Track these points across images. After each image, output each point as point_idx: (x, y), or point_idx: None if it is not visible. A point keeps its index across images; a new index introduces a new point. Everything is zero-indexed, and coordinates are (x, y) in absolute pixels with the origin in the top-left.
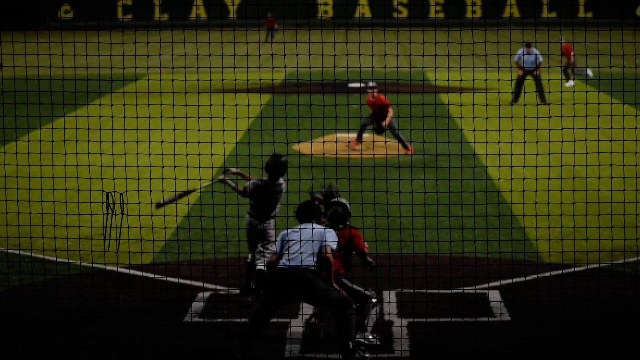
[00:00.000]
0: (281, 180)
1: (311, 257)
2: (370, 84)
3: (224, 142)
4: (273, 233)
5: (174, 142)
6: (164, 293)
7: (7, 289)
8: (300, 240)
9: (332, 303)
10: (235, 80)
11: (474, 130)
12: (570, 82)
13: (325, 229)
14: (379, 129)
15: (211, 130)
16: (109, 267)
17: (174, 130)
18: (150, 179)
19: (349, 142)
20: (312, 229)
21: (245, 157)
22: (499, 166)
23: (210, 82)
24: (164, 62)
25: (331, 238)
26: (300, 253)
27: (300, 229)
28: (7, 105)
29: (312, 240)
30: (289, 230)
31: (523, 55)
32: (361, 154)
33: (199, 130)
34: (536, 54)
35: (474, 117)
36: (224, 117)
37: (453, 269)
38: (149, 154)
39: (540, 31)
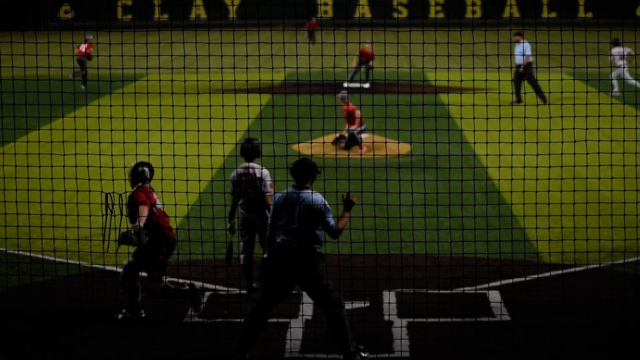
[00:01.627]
0: (258, 165)
1: (311, 232)
2: (343, 93)
3: (224, 143)
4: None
5: (174, 143)
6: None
7: (7, 289)
8: (298, 216)
9: (325, 300)
10: (234, 80)
11: (474, 131)
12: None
13: (324, 203)
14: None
15: (210, 130)
16: (108, 268)
17: (174, 131)
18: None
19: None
20: (304, 197)
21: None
22: (499, 167)
23: (209, 83)
24: (163, 62)
25: (330, 214)
26: (300, 227)
27: (298, 195)
28: (6, 106)
29: (312, 211)
30: (282, 197)
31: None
32: (361, 155)
33: (198, 130)
34: (524, 47)
35: (474, 118)
36: (223, 118)
37: (453, 269)
38: (148, 155)
39: (540, 31)
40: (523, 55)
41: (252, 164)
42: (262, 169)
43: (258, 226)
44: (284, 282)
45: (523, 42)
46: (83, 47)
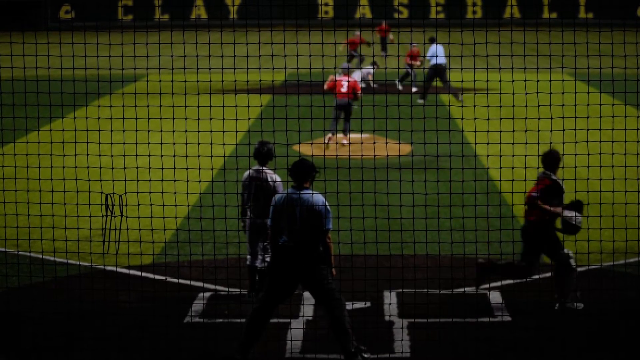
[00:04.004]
0: (270, 171)
1: (313, 232)
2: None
3: (224, 144)
4: None
5: (174, 144)
6: (164, 294)
7: (6, 290)
8: (299, 216)
9: (326, 300)
10: (235, 81)
11: (475, 131)
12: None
13: (325, 204)
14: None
15: (211, 131)
16: (108, 268)
17: (174, 131)
18: (150, 180)
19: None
20: (305, 198)
21: (245, 159)
22: (500, 167)
23: (210, 83)
24: (164, 62)
25: (330, 215)
26: (302, 228)
27: (298, 196)
28: (6, 107)
29: (313, 211)
30: (282, 198)
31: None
32: (362, 155)
33: (198, 131)
34: (436, 49)
35: (475, 118)
36: (223, 118)
37: (454, 269)
38: (149, 155)
39: (541, 32)
40: (436, 56)
41: (264, 169)
42: (274, 174)
43: (264, 231)
44: (287, 282)
45: (436, 45)
46: (409, 57)
